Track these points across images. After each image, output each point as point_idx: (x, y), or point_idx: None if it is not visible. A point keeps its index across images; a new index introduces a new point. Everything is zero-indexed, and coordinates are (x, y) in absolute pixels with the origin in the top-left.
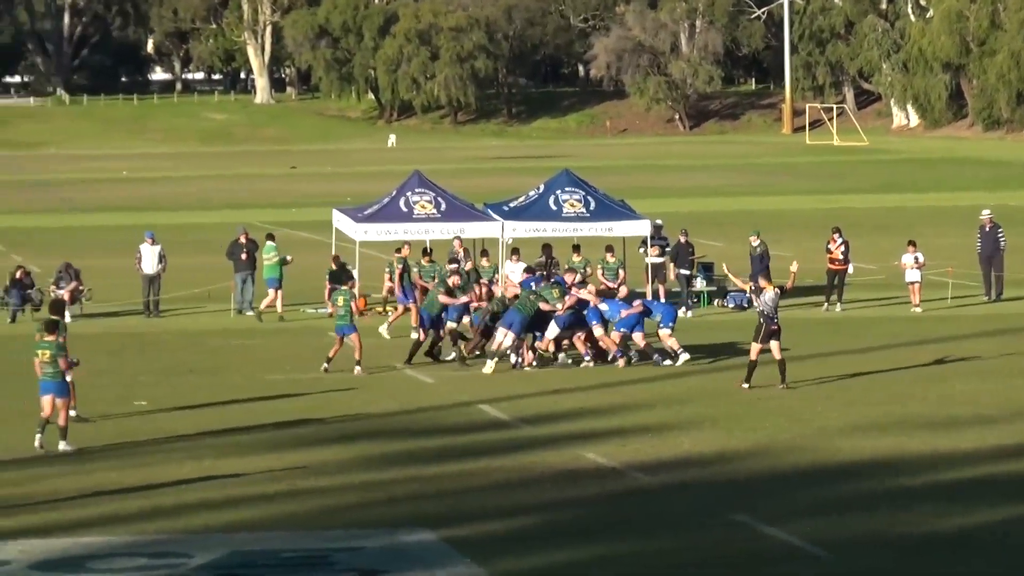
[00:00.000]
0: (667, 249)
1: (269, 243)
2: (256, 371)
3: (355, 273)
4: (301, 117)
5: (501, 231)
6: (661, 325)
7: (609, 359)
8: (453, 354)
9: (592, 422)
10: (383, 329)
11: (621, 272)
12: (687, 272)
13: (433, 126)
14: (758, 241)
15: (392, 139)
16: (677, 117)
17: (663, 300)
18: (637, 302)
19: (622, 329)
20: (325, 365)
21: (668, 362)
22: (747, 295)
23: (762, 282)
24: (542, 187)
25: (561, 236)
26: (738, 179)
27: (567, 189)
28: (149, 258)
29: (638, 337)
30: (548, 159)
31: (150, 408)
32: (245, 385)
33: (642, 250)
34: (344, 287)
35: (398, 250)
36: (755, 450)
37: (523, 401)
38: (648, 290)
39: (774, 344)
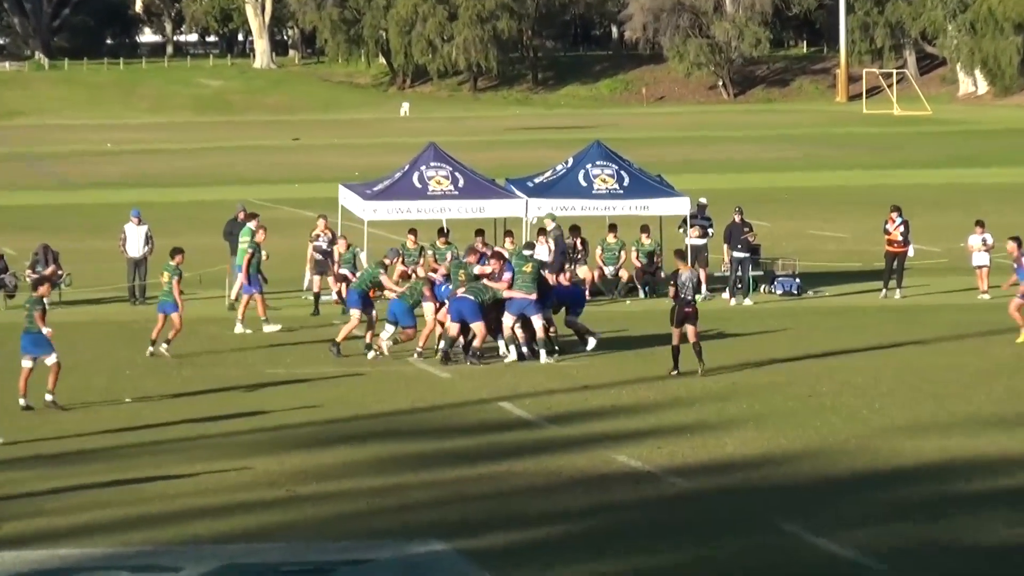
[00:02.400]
0: (710, 230)
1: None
2: (254, 364)
3: (363, 257)
4: (305, 83)
5: (525, 209)
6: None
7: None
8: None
9: (624, 421)
10: (238, 327)
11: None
12: (742, 254)
13: (450, 93)
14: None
15: (405, 108)
16: (720, 83)
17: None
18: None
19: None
20: (150, 348)
21: (591, 344)
22: (796, 281)
23: (678, 263)
24: (570, 161)
25: (591, 215)
26: (787, 152)
27: (598, 163)
28: (135, 239)
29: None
30: (577, 130)
31: (136, 404)
32: (242, 379)
33: (681, 230)
34: (171, 263)
35: (253, 234)
36: (806, 452)
37: (549, 398)
38: None
39: (690, 328)
